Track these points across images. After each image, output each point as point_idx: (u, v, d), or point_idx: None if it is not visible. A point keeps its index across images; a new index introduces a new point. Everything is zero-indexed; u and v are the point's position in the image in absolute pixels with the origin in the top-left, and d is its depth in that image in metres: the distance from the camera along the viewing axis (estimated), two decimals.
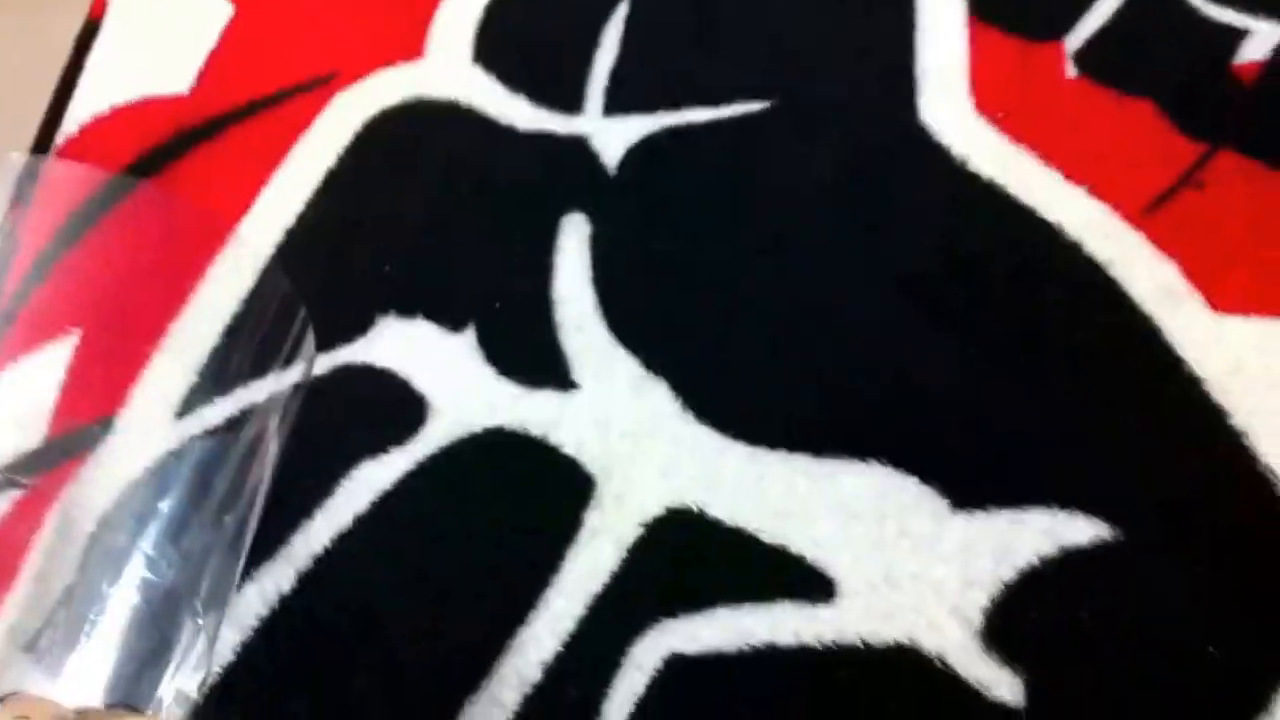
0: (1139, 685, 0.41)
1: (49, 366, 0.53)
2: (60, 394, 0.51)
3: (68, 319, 0.54)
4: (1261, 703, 0.39)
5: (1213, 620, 0.41)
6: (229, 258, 0.52)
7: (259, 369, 0.49)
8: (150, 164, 0.57)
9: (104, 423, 0.50)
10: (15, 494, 0.49)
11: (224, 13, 0.63)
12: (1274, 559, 0.42)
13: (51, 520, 0.47)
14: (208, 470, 0.48)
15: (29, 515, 0.48)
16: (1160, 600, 0.42)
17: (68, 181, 0.59)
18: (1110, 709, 0.40)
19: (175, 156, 0.56)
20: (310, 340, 0.48)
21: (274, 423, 0.47)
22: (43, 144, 0.66)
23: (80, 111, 0.61)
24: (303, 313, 0.49)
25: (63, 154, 0.63)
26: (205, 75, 0.60)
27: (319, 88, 0.58)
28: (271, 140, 0.57)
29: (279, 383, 0.48)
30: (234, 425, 0.48)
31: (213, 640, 0.44)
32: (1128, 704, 0.40)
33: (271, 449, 0.47)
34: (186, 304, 0.52)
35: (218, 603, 0.46)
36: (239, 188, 0.56)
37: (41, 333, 0.54)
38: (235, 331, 0.51)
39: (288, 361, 0.49)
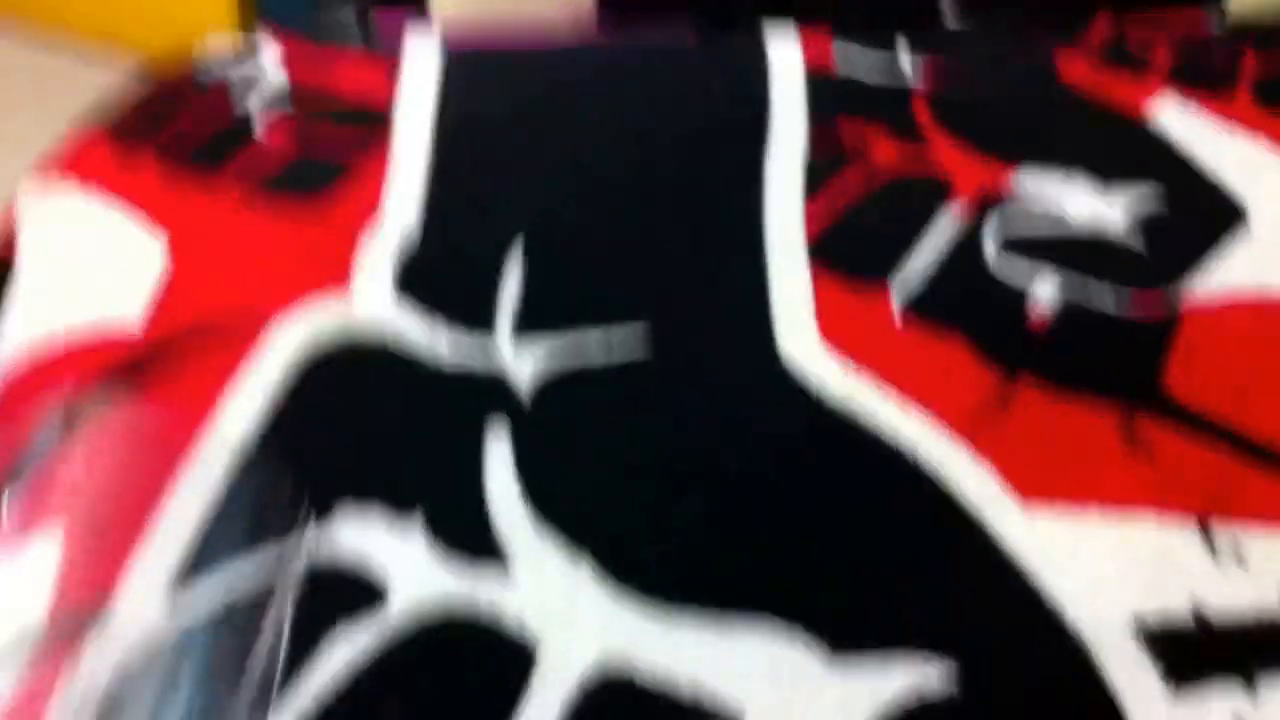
0: None
1: (38, 560, 0.61)
2: (53, 587, 0.60)
3: (51, 517, 0.62)
4: None
5: None
6: (210, 443, 0.62)
7: (255, 542, 0.59)
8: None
9: (100, 608, 0.59)
10: (24, 674, 0.57)
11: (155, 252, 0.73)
12: (1082, 694, 0.55)
13: (60, 699, 0.56)
14: (218, 648, 0.57)
15: (36, 696, 0.56)
16: None
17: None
18: None
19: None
20: (306, 508, 0.58)
21: (283, 596, 0.57)
22: None
23: None
24: (294, 484, 0.59)
25: None
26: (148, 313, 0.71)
27: (247, 325, 0.69)
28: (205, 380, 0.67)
29: (282, 556, 0.59)
30: (236, 604, 0.58)
31: None
32: None
33: (285, 624, 0.57)
34: (172, 488, 0.61)
35: None
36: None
37: (25, 531, 0.62)
38: (227, 509, 0.61)
39: (286, 531, 0.59)
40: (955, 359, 0.66)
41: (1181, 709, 0.54)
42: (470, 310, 0.69)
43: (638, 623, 0.57)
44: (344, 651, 0.57)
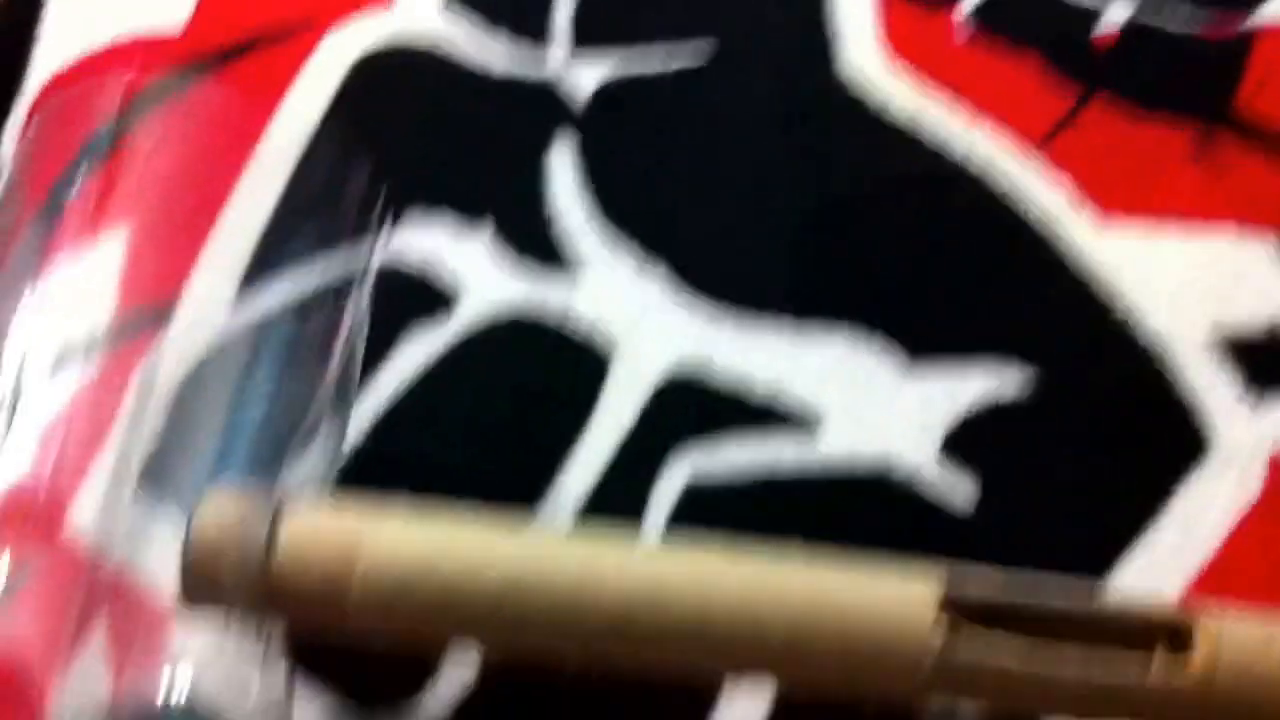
0: (1063, 491, 0.54)
1: (105, 256, 0.60)
2: (119, 281, 0.59)
3: (118, 212, 0.62)
4: (1155, 502, 0.53)
5: (1110, 448, 0.55)
6: (274, 140, 0.61)
7: (327, 241, 0.59)
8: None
9: (168, 305, 0.58)
10: (92, 365, 0.57)
11: None
12: (1159, 400, 0.55)
13: (134, 383, 0.55)
14: (296, 337, 0.57)
15: (112, 379, 0.56)
16: (1073, 433, 0.55)
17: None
18: (1039, 506, 0.54)
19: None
20: (381, 205, 0.57)
21: (362, 291, 0.56)
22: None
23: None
24: (369, 174, 0.58)
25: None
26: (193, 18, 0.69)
27: (297, 34, 0.67)
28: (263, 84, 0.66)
29: (356, 254, 0.58)
30: (308, 302, 0.57)
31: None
32: (1052, 501, 0.54)
33: (363, 319, 0.56)
34: (237, 186, 0.60)
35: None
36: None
37: (92, 226, 0.61)
38: (297, 207, 0.60)
39: (362, 229, 0.59)
40: (1026, 76, 0.65)
41: (1260, 418, 0.54)
42: (524, 21, 0.67)
43: (711, 329, 0.57)
44: (415, 350, 0.56)
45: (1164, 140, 0.63)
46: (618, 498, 0.53)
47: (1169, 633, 0.43)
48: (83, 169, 0.61)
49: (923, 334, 0.57)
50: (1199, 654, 0.42)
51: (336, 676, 0.51)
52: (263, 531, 0.45)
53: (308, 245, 0.58)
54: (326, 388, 0.54)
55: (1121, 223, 0.60)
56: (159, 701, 0.51)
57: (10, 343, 0.55)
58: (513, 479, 0.54)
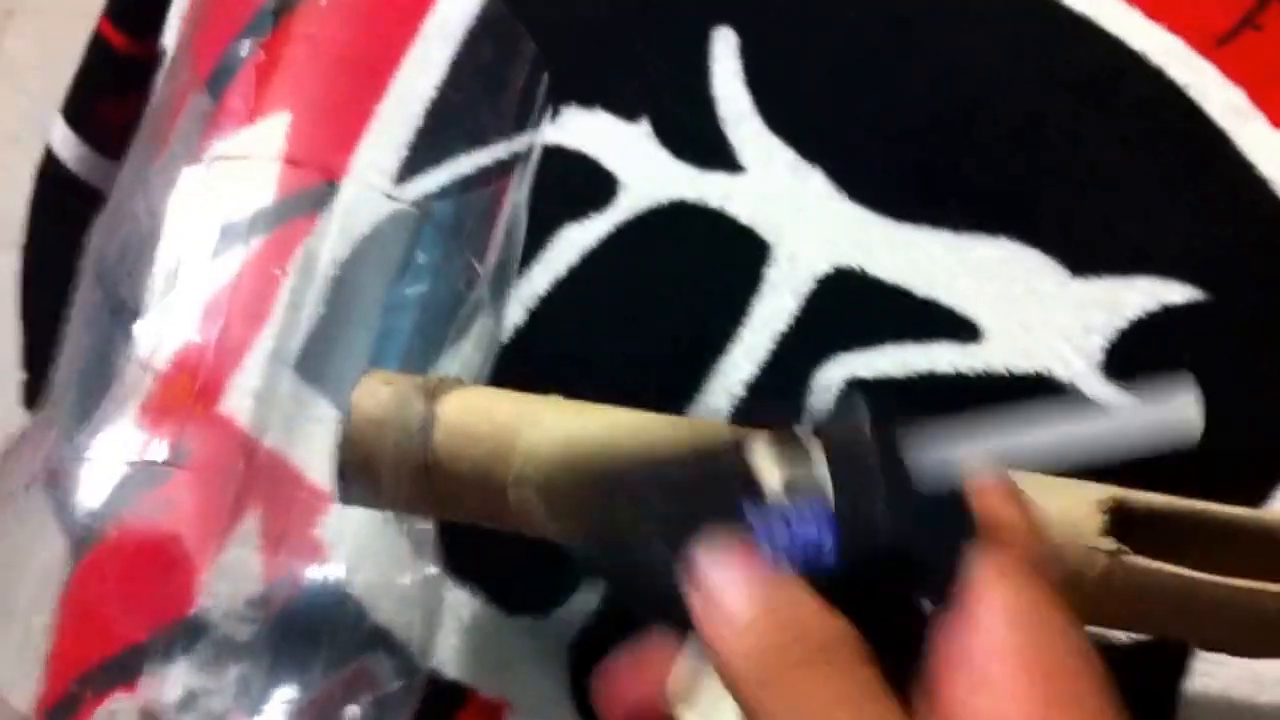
0: (1228, 405, 0.53)
1: (267, 134, 0.61)
2: (281, 160, 0.60)
3: (280, 90, 0.62)
4: None
5: None
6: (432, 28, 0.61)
7: (495, 125, 0.59)
8: None
9: (327, 187, 0.59)
10: (253, 243, 0.58)
11: None
12: None
13: (295, 263, 0.56)
14: (458, 220, 0.57)
15: (272, 260, 0.57)
16: (1241, 345, 0.54)
17: None
18: (1205, 421, 0.53)
19: None
20: (544, 89, 0.58)
21: (522, 177, 0.57)
22: None
23: None
24: (534, 59, 0.59)
25: None
26: None
27: None
28: None
29: (518, 138, 0.58)
30: (470, 184, 0.58)
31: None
32: (1217, 417, 0.53)
33: (522, 205, 0.57)
34: (397, 72, 0.61)
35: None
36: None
37: (255, 103, 0.62)
38: (463, 83, 0.60)
39: (525, 113, 0.59)
40: None
41: None
42: None
43: (873, 231, 0.57)
44: (576, 235, 0.57)
45: None
46: (776, 390, 0.53)
47: None
48: (246, 45, 0.61)
49: (1085, 243, 0.56)
50: None
51: (483, 582, 0.52)
52: (422, 410, 0.45)
53: (471, 128, 0.58)
54: (486, 271, 0.55)
55: None
56: (312, 583, 0.52)
57: (175, 216, 0.55)
58: (672, 367, 0.54)
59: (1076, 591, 0.42)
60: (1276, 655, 0.43)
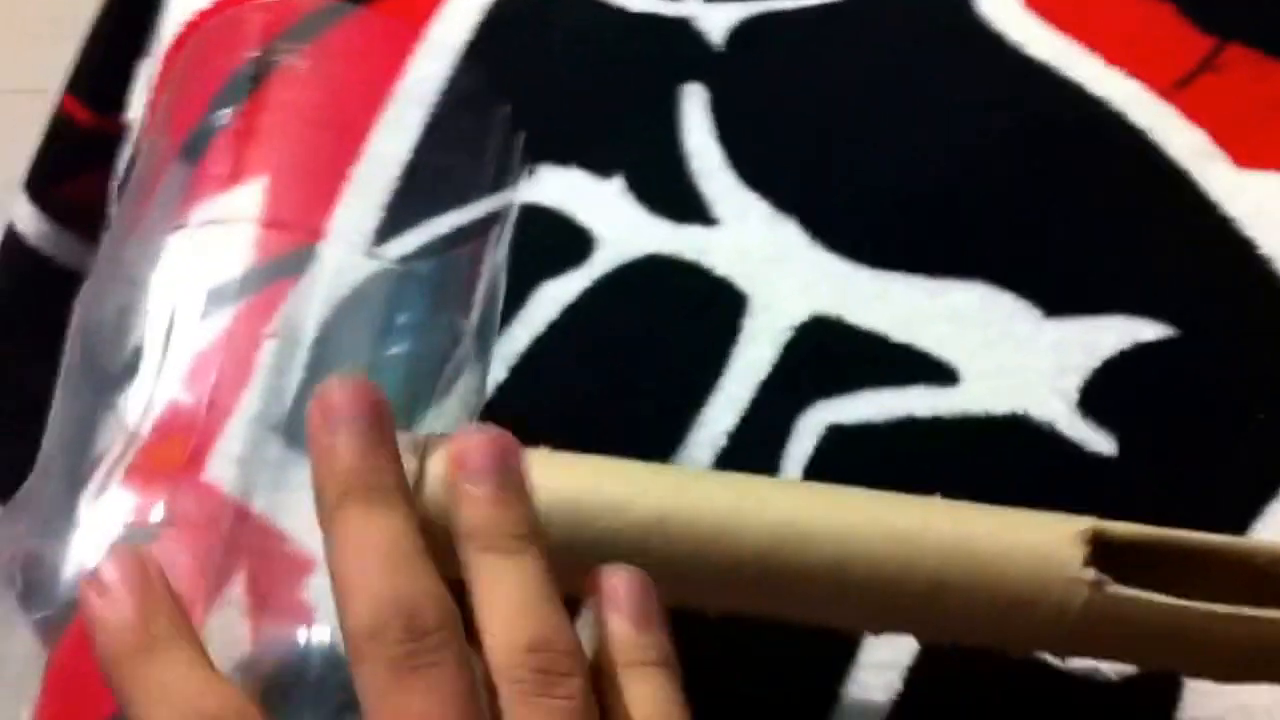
0: (1203, 439, 0.55)
1: (247, 198, 0.62)
2: (261, 223, 0.61)
3: (259, 152, 0.63)
4: None
5: (1255, 395, 0.56)
6: (404, 93, 0.63)
7: (472, 185, 0.60)
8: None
9: (306, 250, 0.60)
10: (236, 307, 0.58)
11: None
12: None
13: (278, 326, 0.57)
14: (439, 278, 0.58)
15: (253, 324, 0.58)
16: (1214, 380, 0.56)
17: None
18: (1180, 455, 0.54)
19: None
20: (519, 149, 0.59)
21: (501, 234, 0.58)
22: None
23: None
24: (507, 119, 0.60)
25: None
26: None
27: None
28: (402, 22, 0.67)
29: (495, 197, 0.60)
30: (450, 243, 0.59)
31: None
32: (1193, 451, 0.54)
33: (502, 262, 0.58)
34: (372, 138, 0.62)
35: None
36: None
37: (234, 167, 0.63)
38: (439, 144, 0.61)
39: (501, 173, 0.60)
40: (1162, 21, 0.65)
41: None
42: None
43: (847, 280, 0.58)
44: (554, 291, 0.58)
45: None
46: (758, 438, 0.55)
47: None
48: (223, 110, 0.63)
49: (1058, 284, 0.58)
50: None
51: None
52: (412, 467, 0.45)
53: (448, 188, 0.59)
54: (468, 329, 0.56)
55: (1261, 170, 0.60)
56: (299, 647, 0.53)
57: (158, 284, 0.56)
58: (654, 419, 0.56)
59: (1060, 624, 0.43)
60: (1265, 681, 0.44)
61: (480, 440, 0.40)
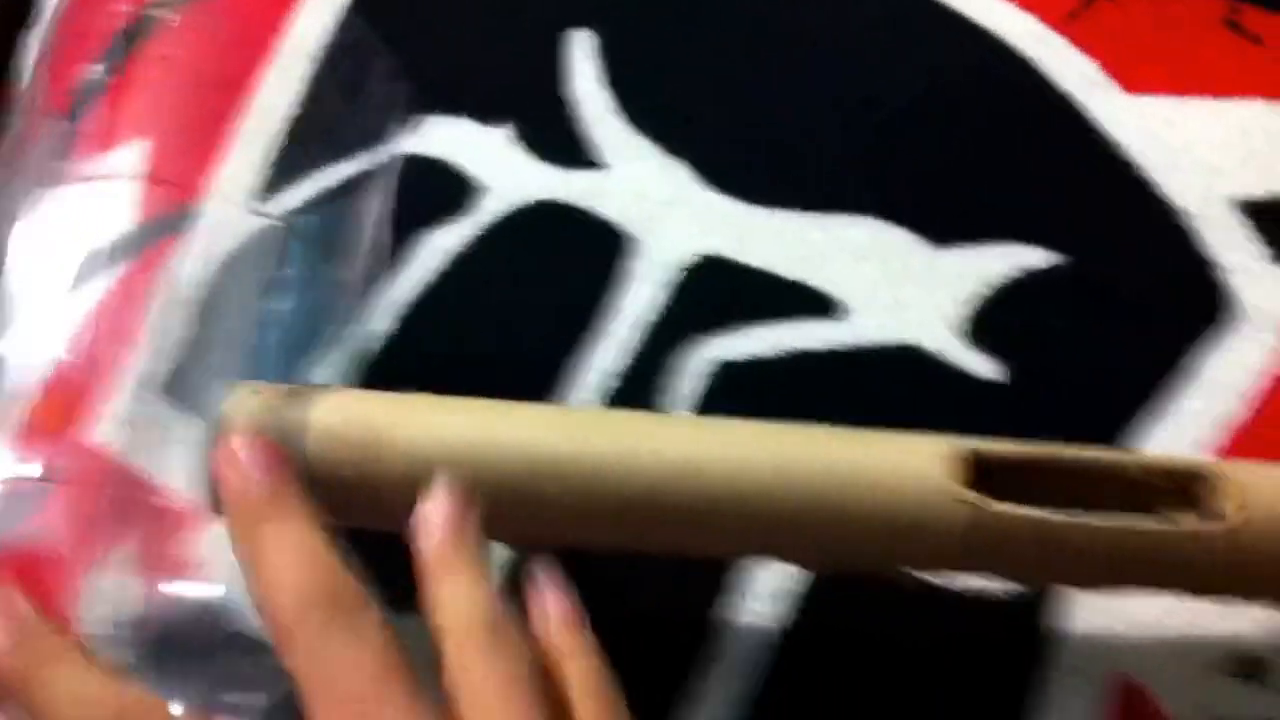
0: (1089, 361, 0.55)
1: (126, 159, 0.61)
2: (142, 185, 0.60)
3: (138, 114, 0.63)
4: (1182, 367, 0.54)
5: (1141, 315, 0.56)
6: (288, 47, 0.62)
7: (355, 138, 0.60)
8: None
9: (189, 208, 0.59)
10: (119, 266, 0.58)
11: None
12: (1187, 268, 0.56)
13: (159, 288, 0.57)
14: (323, 232, 0.58)
15: (137, 284, 0.57)
16: (1101, 303, 0.56)
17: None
18: (1068, 378, 0.55)
19: None
20: (402, 101, 0.59)
21: (384, 187, 0.58)
22: None
23: None
24: (392, 71, 0.59)
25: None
26: None
27: None
28: None
29: (379, 150, 0.59)
30: (333, 197, 0.59)
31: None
32: (1080, 372, 0.55)
33: (386, 214, 0.58)
34: (254, 92, 0.61)
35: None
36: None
37: (113, 129, 0.63)
38: (321, 99, 0.61)
39: (385, 125, 0.60)
40: None
41: None
42: None
43: (738, 219, 0.58)
44: (442, 241, 0.57)
45: (1193, 14, 0.63)
46: (647, 378, 0.54)
47: (1196, 485, 0.43)
48: (101, 70, 0.62)
49: (947, 217, 0.58)
50: (1227, 504, 0.42)
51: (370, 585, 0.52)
52: (293, 417, 0.45)
53: (331, 142, 0.59)
54: (353, 282, 0.55)
55: (1149, 95, 0.61)
56: (189, 601, 0.52)
57: (37, 242, 0.56)
58: (543, 363, 0.55)
59: (944, 544, 0.43)
60: (1146, 590, 0.44)
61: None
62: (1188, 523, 0.43)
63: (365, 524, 0.45)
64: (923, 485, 0.43)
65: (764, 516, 0.44)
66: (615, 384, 0.55)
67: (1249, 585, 0.44)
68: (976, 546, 0.43)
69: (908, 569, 0.46)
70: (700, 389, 0.55)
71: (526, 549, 0.51)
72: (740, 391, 0.54)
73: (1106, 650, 0.49)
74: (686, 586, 0.51)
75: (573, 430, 0.45)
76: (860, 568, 0.46)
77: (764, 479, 0.43)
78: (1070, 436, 0.49)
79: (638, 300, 0.57)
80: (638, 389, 0.55)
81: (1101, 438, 0.52)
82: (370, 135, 0.59)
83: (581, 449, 0.45)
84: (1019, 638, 0.49)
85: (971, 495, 0.42)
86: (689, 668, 0.49)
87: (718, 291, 0.57)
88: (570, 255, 0.58)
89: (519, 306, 0.57)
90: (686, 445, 0.45)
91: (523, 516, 0.45)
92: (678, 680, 0.49)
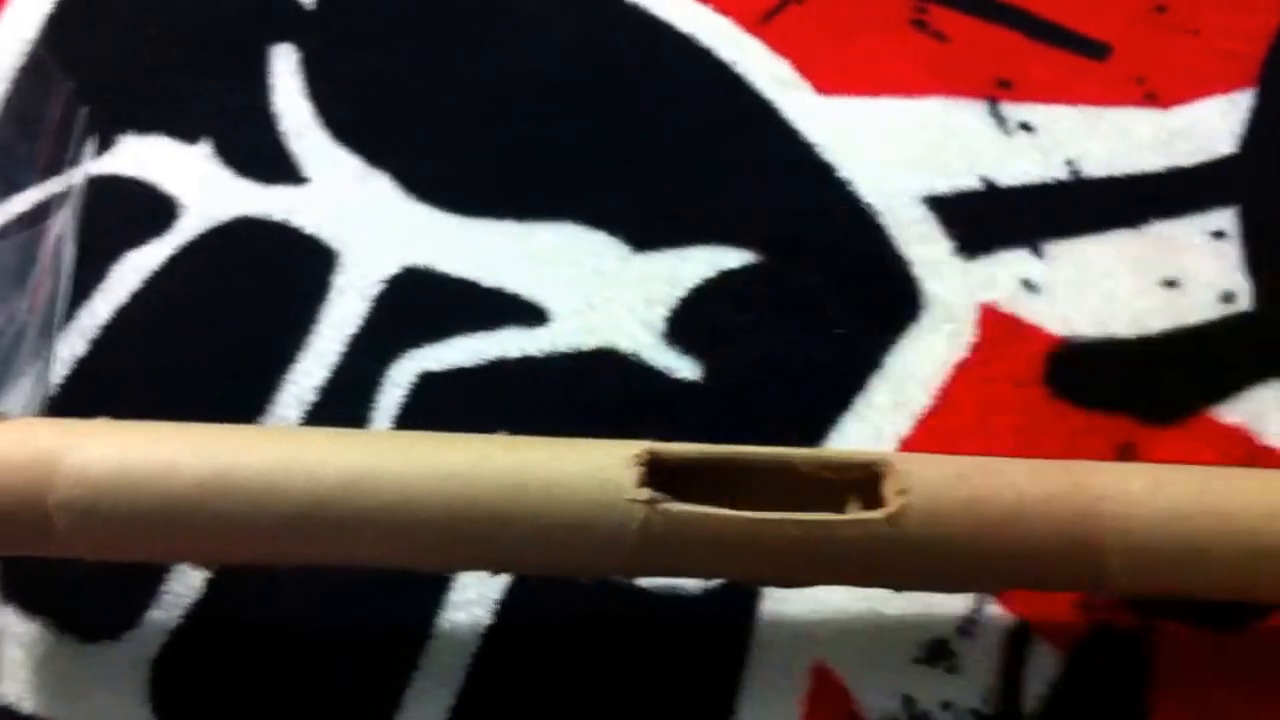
0: (785, 359, 0.57)
1: None
2: None
3: None
4: (874, 361, 0.56)
5: (835, 312, 0.58)
6: None
7: (27, 168, 0.59)
8: None
9: None
10: None
11: None
12: (877, 264, 0.59)
13: None
14: (7, 264, 0.57)
15: None
16: (795, 301, 0.58)
17: None
18: (762, 376, 0.57)
19: None
20: (82, 125, 0.58)
21: (65, 214, 0.57)
22: None
23: None
24: (69, 96, 0.59)
25: None
26: None
27: None
28: None
29: (66, 176, 0.59)
30: (12, 227, 0.58)
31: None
32: (774, 370, 0.57)
33: (67, 241, 0.57)
34: None
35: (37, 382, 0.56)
36: None
37: None
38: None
39: (63, 152, 0.59)
40: None
41: (973, 274, 0.58)
42: None
43: (439, 229, 0.59)
44: (136, 261, 0.57)
45: (881, 14, 0.66)
46: (347, 392, 0.55)
47: (863, 478, 0.45)
48: None
49: (644, 220, 0.60)
50: (889, 493, 0.44)
51: (49, 613, 0.52)
52: None
53: (10, 174, 0.58)
54: (32, 313, 0.55)
55: (839, 96, 0.63)
56: None
57: None
58: (241, 381, 0.55)
59: (621, 544, 0.44)
60: (825, 582, 0.46)
61: None
62: (851, 512, 0.44)
63: (35, 552, 0.45)
64: (597, 487, 0.44)
65: (435, 525, 0.45)
66: (314, 399, 0.55)
67: (914, 571, 0.46)
68: (653, 546, 0.45)
69: (592, 571, 0.47)
70: (402, 401, 0.55)
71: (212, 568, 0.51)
72: (440, 401, 0.55)
73: (805, 641, 0.51)
74: (383, 601, 0.51)
75: (236, 447, 0.46)
76: (541, 571, 0.47)
77: (434, 487, 0.44)
78: (771, 433, 0.51)
79: (339, 314, 0.57)
80: (340, 402, 0.55)
81: (801, 433, 0.54)
82: (46, 164, 0.59)
83: (245, 465, 0.45)
84: (720, 633, 0.51)
85: (644, 494, 0.44)
86: (393, 680, 0.50)
87: (419, 302, 0.57)
88: (271, 271, 0.58)
89: (218, 325, 0.57)
90: (356, 456, 0.46)
91: (193, 533, 0.45)
92: (385, 693, 0.50)
